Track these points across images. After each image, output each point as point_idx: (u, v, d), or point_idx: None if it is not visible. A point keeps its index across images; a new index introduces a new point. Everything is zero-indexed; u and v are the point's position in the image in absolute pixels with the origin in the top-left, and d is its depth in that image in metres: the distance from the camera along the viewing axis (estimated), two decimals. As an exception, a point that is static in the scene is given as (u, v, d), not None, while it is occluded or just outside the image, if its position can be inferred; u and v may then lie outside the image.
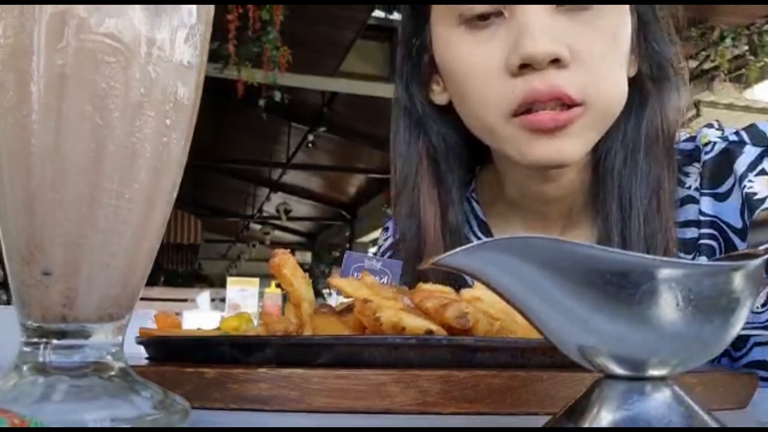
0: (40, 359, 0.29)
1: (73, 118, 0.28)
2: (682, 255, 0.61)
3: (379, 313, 0.39)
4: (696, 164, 0.64)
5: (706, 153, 0.63)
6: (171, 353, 0.45)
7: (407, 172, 0.68)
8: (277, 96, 4.81)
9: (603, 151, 0.62)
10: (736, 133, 0.62)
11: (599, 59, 0.56)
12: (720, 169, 0.61)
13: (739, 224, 0.60)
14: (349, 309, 0.45)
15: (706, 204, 0.62)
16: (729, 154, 0.61)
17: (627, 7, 0.59)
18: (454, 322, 0.39)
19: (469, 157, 0.70)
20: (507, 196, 0.70)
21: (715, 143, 0.63)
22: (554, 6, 0.55)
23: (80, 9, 0.28)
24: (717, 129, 0.65)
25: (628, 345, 0.26)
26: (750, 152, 0.60)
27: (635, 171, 0.61)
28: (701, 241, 0.62)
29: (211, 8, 0.35)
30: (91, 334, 0.30)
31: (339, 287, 0.46)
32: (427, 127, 0.67)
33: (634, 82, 0.62)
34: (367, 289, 0.45)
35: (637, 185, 0.60)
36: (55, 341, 0.30)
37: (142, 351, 0.48)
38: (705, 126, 0.66)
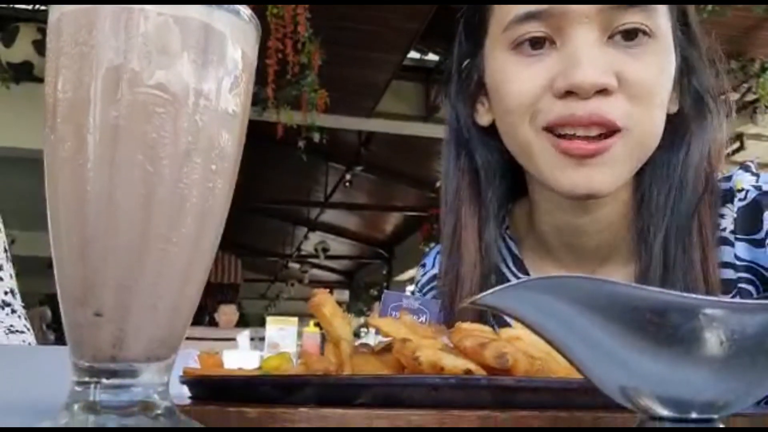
0: (91, 398, 0.30)
1: (125, 167, 0.30)
2: (720, 295, 0.60)
3: (418, 353, 0.39)
4: (730, 206, 0.64)
5: (741, 200, 0.63)
6: (214, 393, 0.46)
7: (451, 188, 0.71)
8: (316, 137, 4.90)
9: (645, 187, 0.63)
10: None
11: (644, 90, 0.57)
12: (753, 218, 0.62)
13: None
14: (387, 348, 0.45)
15: (742, 249, 0.62)
16: (759, 204, 0.62)
17: (672, 46, 0.60)
18: (494, 361, 0.39)
19: (505, 190, 0.72)
20: (540, 231, 0.70)
21: (747, 191, 0.63)
22: (605, 38, 0.57)
23: (133, 63, 0.30)
24: (752, 174, 0.65)
25: (671, 385, 0.26)
26: None
27: (680, 208, 0.61)
28: (739, 285, 0.62)
29: (255, 59, 0.36)
30: (139, 374, 0.31)
31: (378, 326, 0.47)
32: (470, 146, 0.70)
33: (675, 120, 0.63)
34: (406, 328, 0.45)
35: (681, 222, 0.60)
36: (104, 380, 0.31)
37: (185, 390, 0.49)
38: (741, 168, 0.66)
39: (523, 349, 0.41)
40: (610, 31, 0.57)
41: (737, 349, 0.25)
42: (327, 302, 0.49)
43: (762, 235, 0.61)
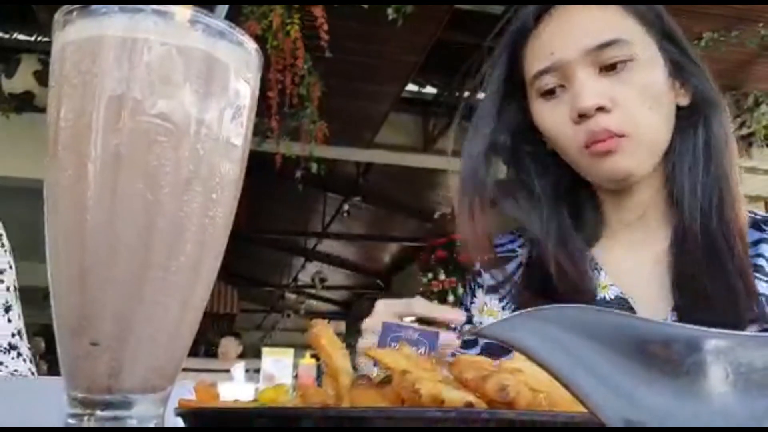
0: (85, 431, 0.30)
1: (126, 195, 0.29)
2: (762, 271, 0.76)
3: (418, 385, 0.39)
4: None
5: None
6: (212, 425, 0.45)
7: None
8: (314, 168, 4.92)
9: (672, 166, 0.80)
10: None
11: (632, 104, 0.76)
12: None
13: None
14: (386, 381, 0.44)
15: None
16: None
17: (654, 58, 0.78)
18: (495, 394, 0.38)
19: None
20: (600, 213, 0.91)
21: None
22: (597, 71, 0.77)
23: (136, 92, 0.30)
24: None
25: (677, 420, 0.25)
26: None
27: (703, 175, 0.78)
28: None
29: (257, 89, 0.37)
30: (134, 405, 0.30)
31: (377, 358, 0.46)
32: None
33: (688, 110, 0.80)
34: (406, 360, 0.45)
35: (706, 189, 0.77)
36: (99, 413, 0.30)
37: (179, 422, 0.48)
38: None
39: (525, 381, 0.41)
40: (599, 65, 0.77)
41: (745, 383, 0.24)
42: (326, 333, 0.49)
43: None
